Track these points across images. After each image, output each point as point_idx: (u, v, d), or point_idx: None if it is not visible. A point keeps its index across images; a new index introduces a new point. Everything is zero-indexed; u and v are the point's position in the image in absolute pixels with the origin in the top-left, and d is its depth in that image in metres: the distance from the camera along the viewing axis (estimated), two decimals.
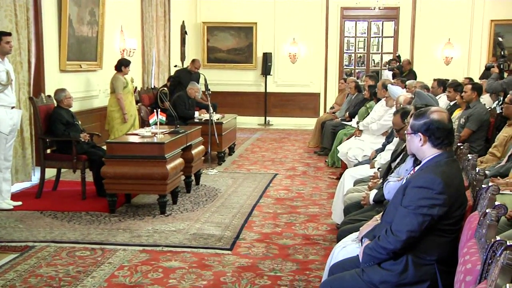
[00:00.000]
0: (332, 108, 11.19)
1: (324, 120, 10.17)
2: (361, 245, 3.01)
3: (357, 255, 2.96)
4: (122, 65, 8.36)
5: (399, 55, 13.32)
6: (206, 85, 8.58)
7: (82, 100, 8.41)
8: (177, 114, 7.75)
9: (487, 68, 8.39)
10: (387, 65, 13.79)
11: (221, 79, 13.98)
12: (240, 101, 14.20)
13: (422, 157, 2.93)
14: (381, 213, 3.19)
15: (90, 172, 6.48)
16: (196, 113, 9.07)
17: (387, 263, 2.77)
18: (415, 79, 10.87)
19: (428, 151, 2.87)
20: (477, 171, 3.09)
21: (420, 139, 2.86)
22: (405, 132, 3.16)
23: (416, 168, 3.05)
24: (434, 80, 9.28)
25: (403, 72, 12.70)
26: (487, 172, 4.40)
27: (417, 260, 2.72)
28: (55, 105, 6.53)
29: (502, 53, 7.62)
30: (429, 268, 2.72)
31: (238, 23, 14.25)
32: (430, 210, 2.66)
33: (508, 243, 1.86)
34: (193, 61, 10.69)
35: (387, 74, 13.15)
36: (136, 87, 9.99)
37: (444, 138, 2.82)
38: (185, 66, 11.22)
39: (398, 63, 12.82)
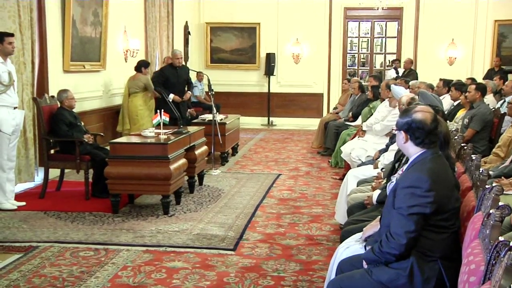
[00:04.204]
0: (335, 108, 11.19)
1: (327, 120, 10.16)
2: (365, 250, 3.01)
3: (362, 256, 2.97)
4: (142, 66, 8.79)
5: (395, 67, 13.42)
6: (209, 86, 8.59)
7: (85, 100, 8.42)
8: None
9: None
10: (393, 65, 13.83)
11: (224, 79, 13.97)
12: (243, 102, 14.20)
13: (408, 155, 2.99)
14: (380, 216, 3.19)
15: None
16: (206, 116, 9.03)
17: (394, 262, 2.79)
18: (416, 79, 10.91)
19: (411, 149, 2.92)
20: (480, 171, 3.09)
21: (403, 137, 2.91)
22: (393, 128, 3.22)
23: (404, 167, 3.07)
24: (440, 80, 9.29)
25: (404, 71, 12.78)
26: (490, 172, 4.40)
27: (422, 257, 2.75)
28: (59, 105, 6.55)
29: None
30: (433, 265, 2.75)
31: (241, 23, 14.25)
32: (421, 209, 2.70)
33: None
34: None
35: (390, 74, 13.19)
36: None
37: (424, 138, 2.86)
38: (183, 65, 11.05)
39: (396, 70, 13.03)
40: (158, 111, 6.38)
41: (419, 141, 2.87)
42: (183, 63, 9.01)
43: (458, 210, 2.89)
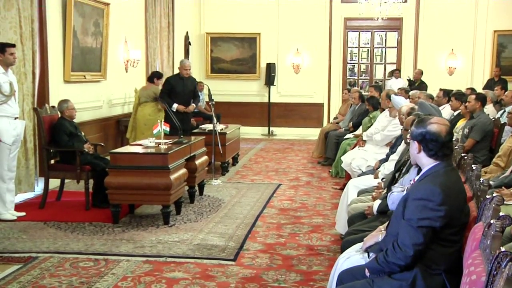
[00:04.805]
0: (335, 118, 11.20)
1: (327, 130, 10.17)
2: (368, 258, 3.00)
3: (364, 264, 2.96)
4: (154, 77, 8.92)
5: (409, 79, 13.45)
6: (209, 96, 8.59)
7: (86, 110, 8.44)
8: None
9: None
10: (391, 76, 13.85)
11: (225, 89, 14.00)
12: (243, 112, 14.22)
13: (421, 165, 2.97)
14: (386, 224, 3.18)
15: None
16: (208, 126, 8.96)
17: (397, 273, 2.78)
18: (426, 89, 10.95)
19: (424, 160, 2.91)
20: (481, 181, 3.08)
21: (416, 147, 2.90)
22: (407, 136, 3.20)
23: (416, 178, 3.05)
24: (440, 90, 9.31)
25: (415, 82, 12.84)
26: (491, 182, 4.38)
27: (426, 270, 2.74)
28: (59, 115, 6.56)
29: None
30: (438, 278, 2.73)
31: (241, 33, 14.30)
32: (432, 222, 2.67)
33: None
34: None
35: (390, 84, 13.22)
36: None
37: (437, 150, 2.84)
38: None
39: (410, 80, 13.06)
40: (159, 121, 6.38)
41: (432, 153, 2.85)
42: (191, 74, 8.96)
43: (467, 224, 2.86)
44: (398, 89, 10.50)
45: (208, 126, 8.77)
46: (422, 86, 12.31)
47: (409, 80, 13.33)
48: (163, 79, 9.09)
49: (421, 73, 13.17)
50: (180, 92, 8.58)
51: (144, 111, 8.83)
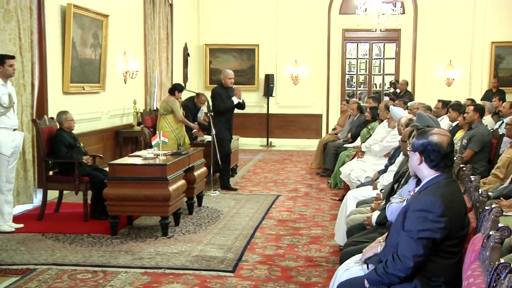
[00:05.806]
0: (334, 129, 11.22)
1: (326, 141, 10.18)
2: (367, 269, 2.99)
3: (363, 275, 2.95)
4: (176, 89, 8.71)
5: (395, 88, 13.54)
6: (208, 107, 8.60)
7: (85, 122, 8.43)
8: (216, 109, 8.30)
9: None
10: (391, 87, 13.90)
11: None
12: (242, 123, 14.12)
13: (421, 177, 2.97)
14: (385, 235, 3.18)
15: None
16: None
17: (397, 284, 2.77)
18: (411, 100, 11.01)
19: (425, 171, 2.90)
20: (480, 192, 3.08)
21: (417, 158, 2.89)
22: (407, 148, 3.20)
23: (416, 189, 3.05)
24: (439, 101, 9.34)
25: (400, 91, 12.91)
26: (490, 193, 4.39)
27: (425, 282, 2.73)
28: (58, 127, 6.56)
29: None
30: None
31: (240, 45, 14.35)
32: (432, 234, 2.67)
33: None
34: (197, 95, 9.71)
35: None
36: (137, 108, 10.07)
37: (439, 161, 2.84)
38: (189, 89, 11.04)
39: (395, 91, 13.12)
40: (157, 132, 6.37)
41: (433, 164, 2.85)
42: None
43: (467, 236, 2.86)
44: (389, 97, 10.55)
45: (207, 137, 8.77)
46: (406, 95, 12.45)
47: (394, 89, 13.41)
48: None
49: (407, 83, 13.33)
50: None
51: (161, 123, 8.75)
